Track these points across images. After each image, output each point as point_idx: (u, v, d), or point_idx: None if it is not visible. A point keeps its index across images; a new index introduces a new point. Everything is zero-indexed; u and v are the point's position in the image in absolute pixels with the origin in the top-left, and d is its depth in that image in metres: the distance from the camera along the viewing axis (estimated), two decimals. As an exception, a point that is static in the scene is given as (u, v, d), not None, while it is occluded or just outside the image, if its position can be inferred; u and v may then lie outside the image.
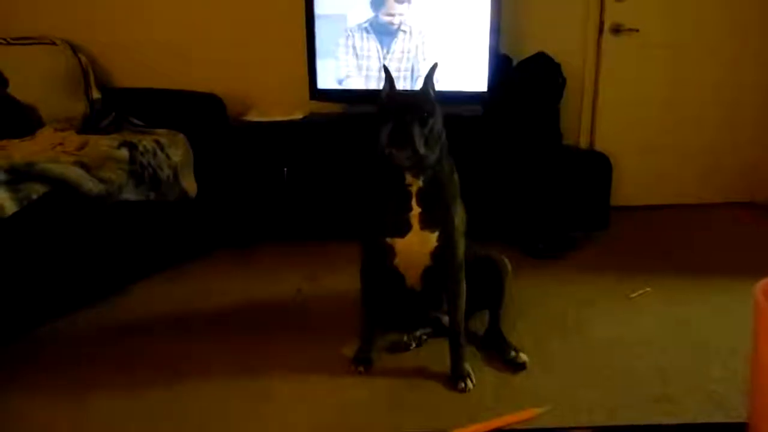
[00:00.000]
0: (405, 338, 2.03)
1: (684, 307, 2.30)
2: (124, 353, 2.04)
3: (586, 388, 1.79)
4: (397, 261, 1.87)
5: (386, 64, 1.93)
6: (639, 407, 1.71)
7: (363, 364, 1.91)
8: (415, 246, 1.81)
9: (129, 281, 2.53)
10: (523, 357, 1.91)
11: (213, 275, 2.66)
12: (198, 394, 1.80)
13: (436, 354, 1.95)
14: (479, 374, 1.85)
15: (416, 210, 1.76)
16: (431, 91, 1.75)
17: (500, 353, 1.96)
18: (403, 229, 1.79)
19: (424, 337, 2.06)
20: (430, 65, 1.80)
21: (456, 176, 1.84)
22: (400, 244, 1.81)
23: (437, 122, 1.70)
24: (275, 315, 2.30)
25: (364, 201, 1.89)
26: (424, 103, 1.68)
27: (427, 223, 1.78)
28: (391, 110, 1.65)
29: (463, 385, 1.79)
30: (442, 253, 1.82)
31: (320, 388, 1.83)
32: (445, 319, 1.99)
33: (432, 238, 1.80)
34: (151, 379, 1.88)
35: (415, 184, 1.74)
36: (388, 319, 2.08)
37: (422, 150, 1.63)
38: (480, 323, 2.09)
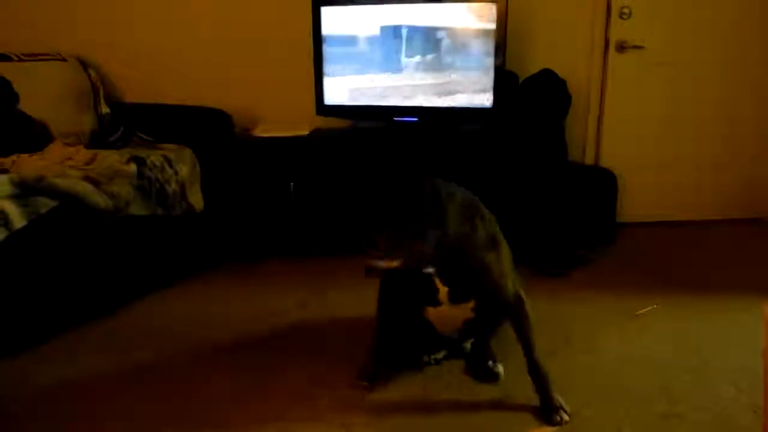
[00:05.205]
0: (426, 358, 1.98)
1: (691, 324, 2.29)
2: (127, 369, 2.03)
3: (593, 406, 1.78)
4: (427, 316, 1.83)
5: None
6: (646, 425, 1.69)
7: (368, 380, 1.89)
8: (450, 313, 1.76)
9: (135, 296, 2.53)
10: (500, 368, 1.91)
11: (219, 290, 2.66)
12: (199, 414, 1.79)
13: (445, 378, 1.94)
14: (481, 394, 1.84)
15: (444, 289, 1.69)
16: (432, 204, 1.47)
17: (480, 363, 1.94)
18: (433, 303, 1.73)
19: (440, 358, 2.02)
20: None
21: (483, 227, 1.64)
22: (431, 310, 1.77)
23: (430, 214, 1.47)
24: (280, 332, 2.29)
25: None
26: (413, 223, 1.45)
27: (458, 298, 1.72)
28: (369, 226, 1.44)
29: (558, 418, 1.69)
30: (485, 309, 1.76)
31: (323, 408, 1.81)
32: (467, 345, 1.99)
33: (467, 306, 1.75)
34: (153, 397, 1.87)
35: (431, 270, 1.64)
36: (403, 341, 2.02)
37: (404, 253, 1.43)
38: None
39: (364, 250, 1.40)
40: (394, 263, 1.44)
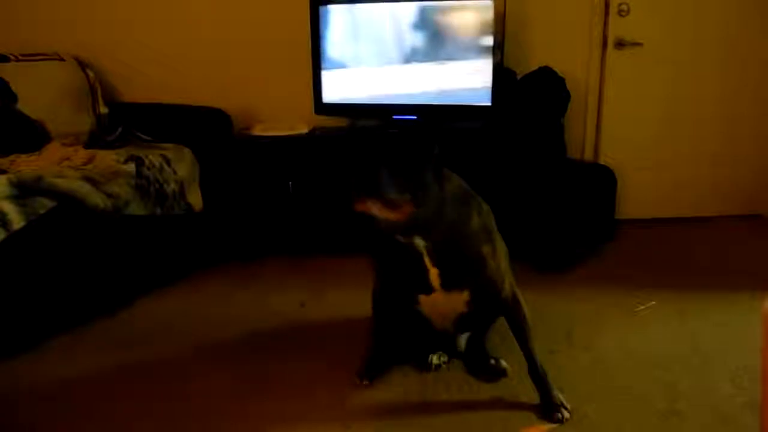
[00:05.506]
0: (435, 360, 1.96)
1: (691, 322, 2.29)
2: (127, 369, 2.03)
3: (593, 404, 1.78)
4: (421, 308, 1.78)
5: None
6: (646, 423, 1.70)
7: (368, 379, 1.89)
8: (443, 302, 1.71)
9: (135, 295, 2.53)
10: (504, 364, 1.91)
11: (218, 289, 2.66)
12: (199, 413, 1.79)
13: (445, 378, 1.94)
14: (481, 392, 1.84)
15: (434, 271, 1.62)
16: (426, 142, 1.46)
17: (481, 361, 1.95)
18: (425, 289, 1.67)
19: (447, 361, 2.01)
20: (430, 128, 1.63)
21: (478, 217, 1.63)
22: (424, 298, 1.72)
23: (426, 174, 1.43)
24: (280, 332, 2.29)
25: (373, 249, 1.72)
26: (408, 148, 1.41)
27: (451, 284, 1.65)
28: (362, 153, 1.41)
29: (559, 416, 1.69)
30: (480, 304, 1.72)
31: (322, 407, 1.82)
32: (461, 343, 1.98)
33: (461, 297, 1.69)
34: (153, 397, 1.87)
35: (421, 243, 1.55)
36: (401, 339, 2.02)
37: (394, 197, 1.36)
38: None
39: (366, 195, 1.33)
40: (393, 213, 1.38)
